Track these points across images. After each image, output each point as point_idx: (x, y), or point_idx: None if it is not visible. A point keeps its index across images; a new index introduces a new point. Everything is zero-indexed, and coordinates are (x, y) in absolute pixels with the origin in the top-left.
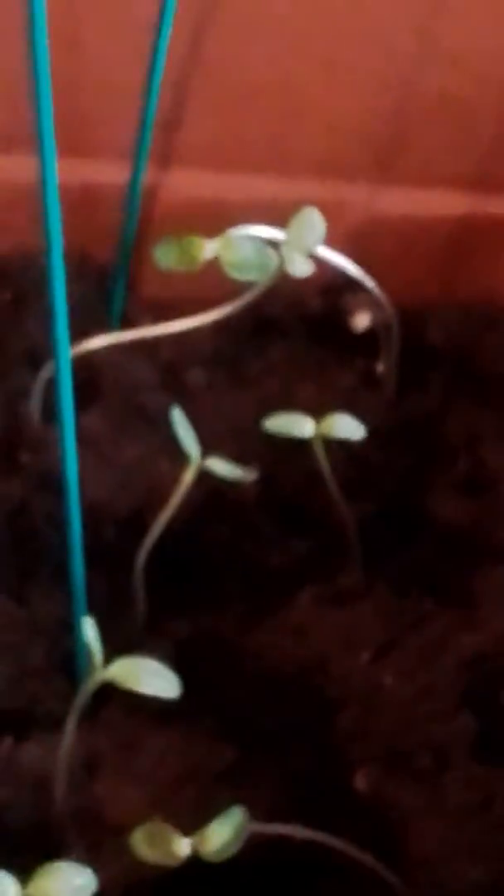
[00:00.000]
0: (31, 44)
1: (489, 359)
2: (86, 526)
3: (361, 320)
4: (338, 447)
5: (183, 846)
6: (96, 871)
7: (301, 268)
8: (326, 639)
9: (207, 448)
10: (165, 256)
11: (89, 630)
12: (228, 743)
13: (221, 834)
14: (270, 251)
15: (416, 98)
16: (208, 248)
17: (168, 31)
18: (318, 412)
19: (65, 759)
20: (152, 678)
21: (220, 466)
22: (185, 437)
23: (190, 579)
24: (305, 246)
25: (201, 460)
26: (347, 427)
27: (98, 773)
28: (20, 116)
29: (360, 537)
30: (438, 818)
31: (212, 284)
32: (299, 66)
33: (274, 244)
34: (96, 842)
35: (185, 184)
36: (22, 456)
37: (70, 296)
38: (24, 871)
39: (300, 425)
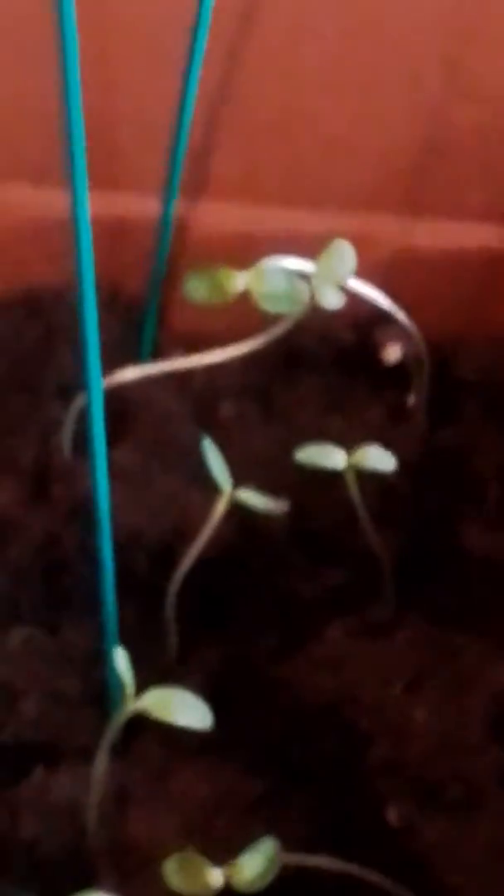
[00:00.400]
0: (63, 78)
1: None
2: (117, 557)
3: (392, 353)
4: (368, 479)
5: (215, 877)
6: None
7: (332, 300)
8: (358, 671)
9: (238, 479)
10: (196, 289)
11: (121, 661)
12: (260, 774)
13: (254, 865)
14: (301, 283)
15: (447, 130)
16: (239, 281)
17: (198, 66)
18: (348, 444)
19: (96, 790)
20: (184, 709)
21: (252, 498)
22: (217, 469)
23: (221, 610)
24: (336, 278)
25: (232, 492)
26: (379, 458)
27: (130, 804)
28: (52, 150)
29: (391, 569)
30: (470, 851)
31: (242, 317)
32: (328, 99)
33: (305, 276)
34: (128, 872)
35: (215, 216)
36: (53, 488)
37: (101, 328)
38: None
39: (332, 457)
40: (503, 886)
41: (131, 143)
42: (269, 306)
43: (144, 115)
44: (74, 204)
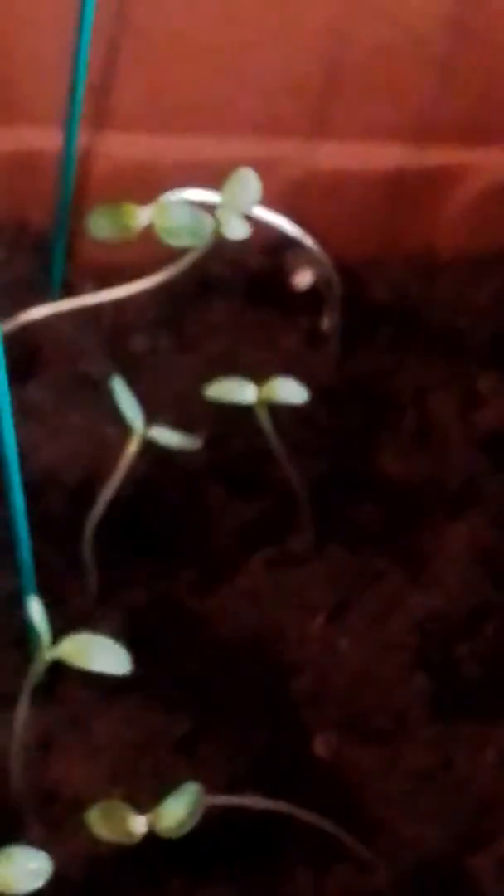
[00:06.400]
0: None
1: (432, 311)
2: (32, 497)
3: (303, 278)
4: (285, 408)
5: (139, 824)
6: (54, 849)
7: (237, 231)
8: (280, 603)
9: (153, 414)
10: (99, 226)
11: (35, 610)
12: (185, 712)
13: (177, 810)
14: (205, 216)
15: (350, 51)
16: (142, 216)
17: None
18: (263, 373)
19: (19, 737)
20: (102, 655)
21: (165, 435)
22: (128, 408)
23: (141, 548)
24: (241, 207)
25: (146, 429)
26: (290, 391)
27: (54, 750)
28: None
29: (310, 499)
30: (398, 781)
31: (152, 248)
32: (228, 22)
33: (210, 207)
34: (54, 819)
35: (120, 147)
36: None
37: (8, 264)
38: None
39: (242, 391)
40: (432, 815)
41: (29, 74)
42: (173, 241)
43: (41, 44)
44: None
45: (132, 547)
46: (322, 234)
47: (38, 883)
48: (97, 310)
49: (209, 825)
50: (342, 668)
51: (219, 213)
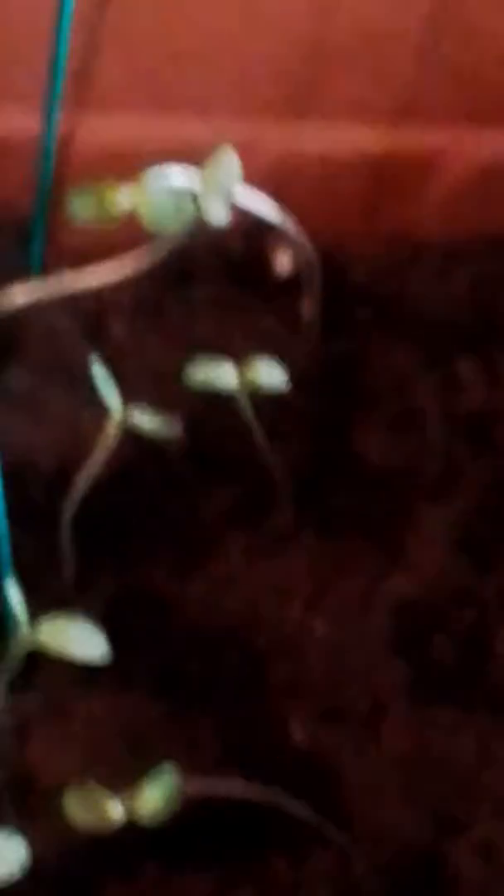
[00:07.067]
0: None
1: (412, 294)
2: (9, 483)
3: (283, 262)
4: (264, 392)
5: (116, 810)
6: (30, 837)
7: (218, 215)
8: (257, 588)
9: (132, 398)
10: (81, 210)
11: (13, 595)
12: (162, 698)
13: (154, 796)
14: (186, 200)
15: (332, 32)
16: (123, 200)
17: None
18: (242, 357)
19: None
20: (80, 640)
21: (144, 420)
22: (107, 393)
23: (118, 533)
24: (222, 190)
25: (125, 413)
26: (271, 376)
27: (30, 736)
28: None
29: (288, 483)
30: (376, 766)
31: (132, 229)
32: (212, 2)
33: (191, 190)
34: (30, 807)
35: (100, 128)
36: None
37: None
38: None
39: (223, 377)
40: (409, 799)
41: (9, 55)
42: (154, 226)
43: (21, 26)
44: None
45: (110, 533)
46: (303, 217)
47: (14, 868)
48: (76, 293)
49: (186, 811)
50: (320, 654)
51: (200, 196)
